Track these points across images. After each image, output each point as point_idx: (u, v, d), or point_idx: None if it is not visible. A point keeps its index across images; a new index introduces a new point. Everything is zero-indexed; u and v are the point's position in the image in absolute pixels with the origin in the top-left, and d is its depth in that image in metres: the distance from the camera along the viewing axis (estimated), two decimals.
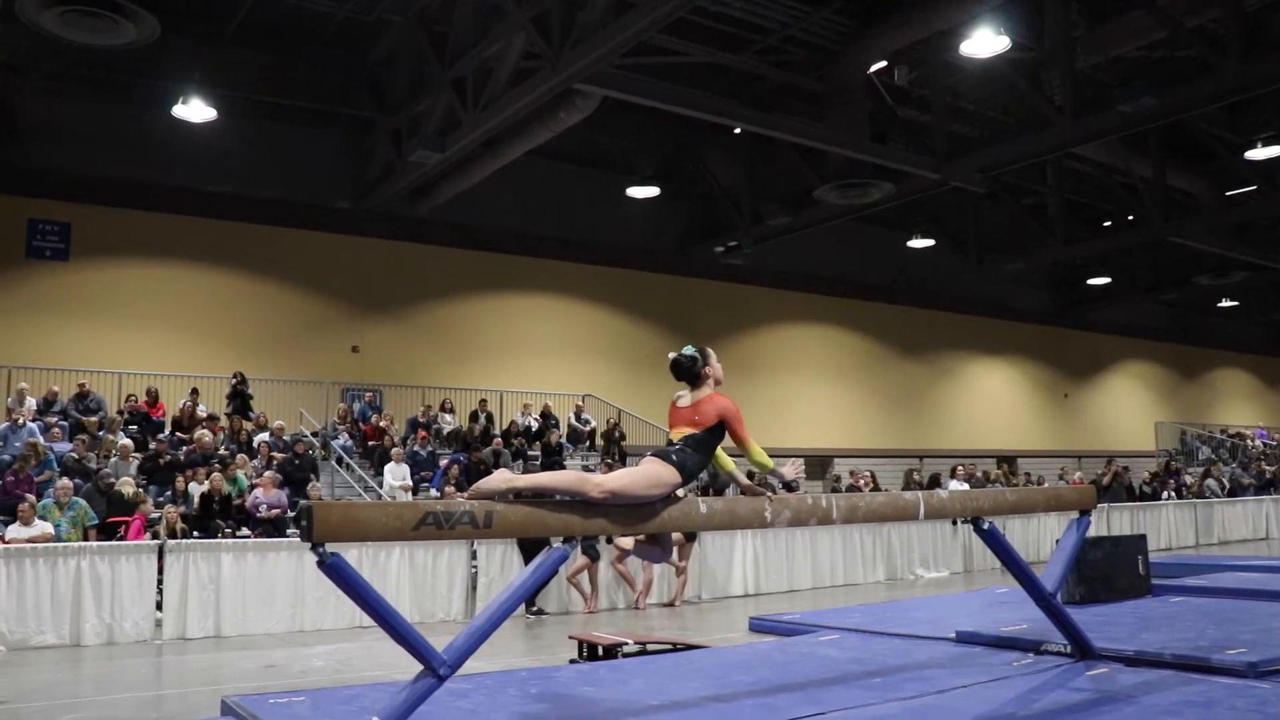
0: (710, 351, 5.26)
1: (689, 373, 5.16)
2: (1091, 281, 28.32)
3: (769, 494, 5.30)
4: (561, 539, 4.73)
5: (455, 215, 18.80)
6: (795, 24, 15.57)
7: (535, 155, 16.97)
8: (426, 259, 19.11)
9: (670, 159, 20.79)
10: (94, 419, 14.35)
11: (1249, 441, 29.67)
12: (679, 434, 5.04)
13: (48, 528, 10.48)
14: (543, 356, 19.92)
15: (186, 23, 15.28)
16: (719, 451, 5.13)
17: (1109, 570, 10.20)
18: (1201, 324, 33.98)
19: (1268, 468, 25.00)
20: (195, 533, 11.43)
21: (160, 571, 10.25)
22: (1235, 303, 31.42)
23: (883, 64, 16.65)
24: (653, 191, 19.39)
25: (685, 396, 5.16)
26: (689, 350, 5.18)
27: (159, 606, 10.21)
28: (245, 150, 17.21)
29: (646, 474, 4.84)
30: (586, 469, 17.24)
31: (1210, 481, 22.41)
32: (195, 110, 15.19)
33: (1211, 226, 21.66)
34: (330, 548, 4.05)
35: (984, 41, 14.09)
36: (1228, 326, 34.62)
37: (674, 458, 4.89)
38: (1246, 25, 13.71)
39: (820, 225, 20.59)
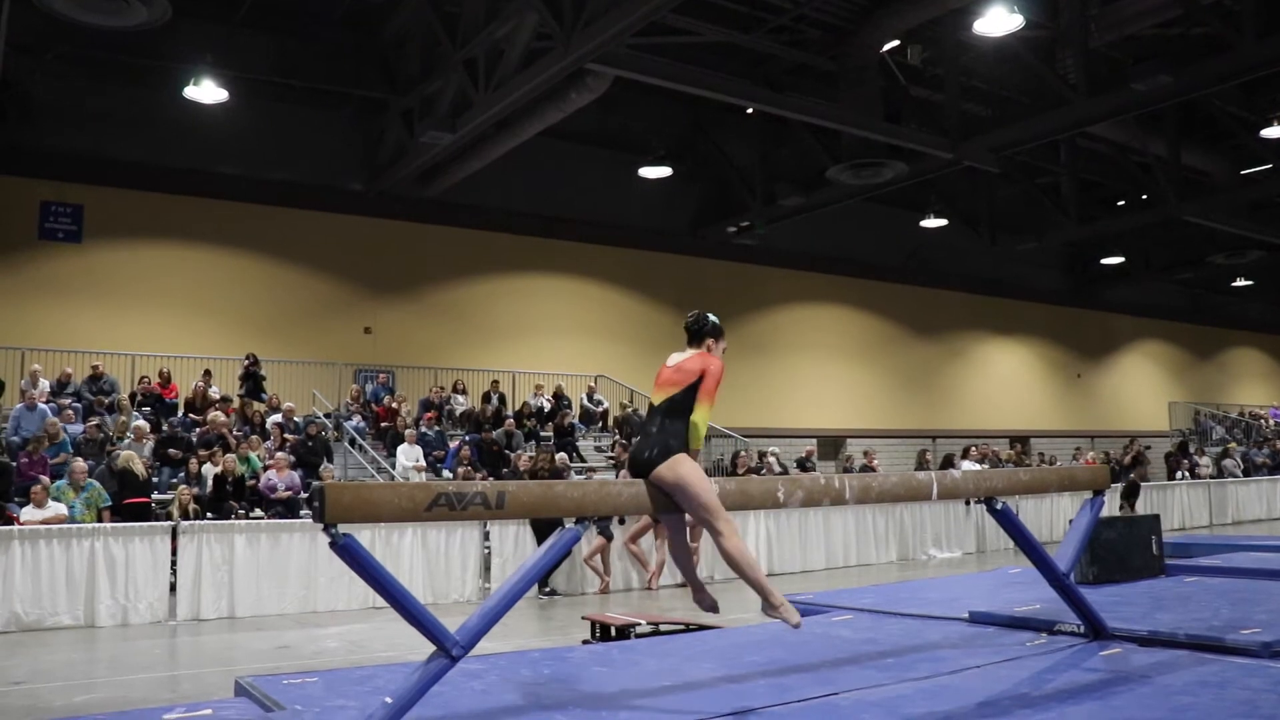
0: (723, 330, 5.20)
1: (693, 331, 5.07)
2: (1105, 261, 28.17)
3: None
4: (574, 519, 4.72)
5: (467, 196, 18.78)
6: (808, 3, 15.47)
7: (547, 136, 16.91)
8: (439, 240, 19.11)
9: (682, 139, 20.72)
10: (107, 400, 14.43)
11: (1264, 421, 29.55)
12: (660, 395, 4.93)
13: (61, 509, 10.53)
14: (555, 337, 19.93)
15: (198, 4, 15.27)
16: (703, 423, 4.87)
17: (1123, 550, 10.16)
18: (1216, 303, 33.78)
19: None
20: (208, 514, 11.48)
21: (174, 553, 10.30)
22: (1250, 282, 31.22)
23: (895, 43, 16.58)
24: (665, 172, 19.32)
25: (675, 356, 5.10)
26: (708, 314, 5.11)
27: (173, 588, 10.27)
28: (257, 131, 17.22)
29: (693, 484, 4.74)
30: (598, 449, 17.30)
31: (1228, 461, 22.33)
32: (207, 92, 15.18)
33: (1226, 205, 21.51)
34: (342, 529, 4.06)
35: (997, 20, 13.96)
36: (1242, 306, 34.41)
37: (664, 450, 4.76)
38: (1263, 1, 13.58)
39: (833, 205, 20.51)
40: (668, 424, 4.83)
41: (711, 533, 4.87)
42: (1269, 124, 17.73)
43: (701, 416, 4.83)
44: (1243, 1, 13.51)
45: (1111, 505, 16.08)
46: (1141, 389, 31.36)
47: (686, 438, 4.79)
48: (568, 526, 4.70)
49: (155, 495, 12.07)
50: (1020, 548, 6.22)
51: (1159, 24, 15.74)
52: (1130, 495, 13.48)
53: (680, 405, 4.84)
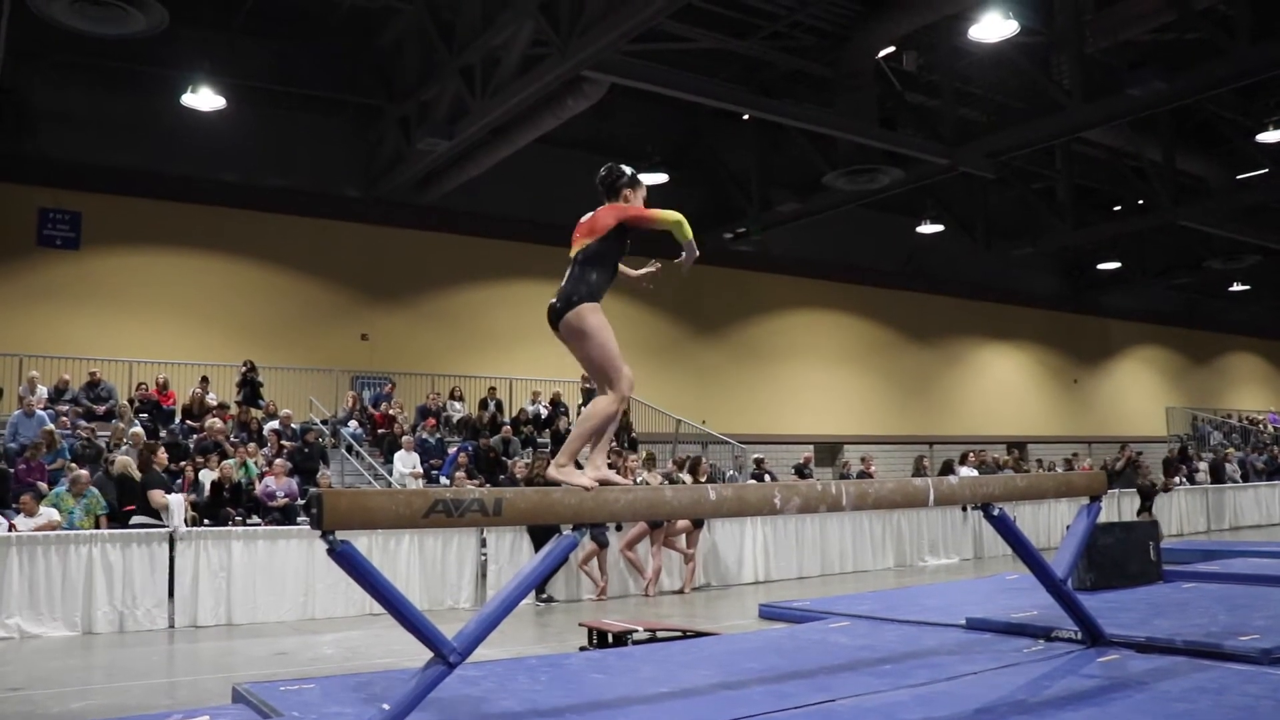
0: (639, 181, 5.09)
1: (607, 184, 5.05)
2: (1101, 266, 28.22)
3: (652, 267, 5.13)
4: (571, 526, 4.73)
5: (464, 203, 18.80)
6: (803, 9, 15.51)
7: (543, 143, 16.94)
8: (435, 246, 19.12)
9: (679, 146, 20.74)
10: (105, 407, 14.43)
11: (1261, 426, 29.59)
12: (575, 247, 4.93)
13: (54, 515, 10.49)
14: (552, 344, 19.34)
15: (195, 11, 15.30)
16: (665, 214, 4.83)
17: (1120, 556, 10.19)
18: (1212, 308, 33.84)
19: None
20: (206, 520, 11.47)
21: (171, 559, 10.29)
22: (1247, 287, 31.28)
23: (891, 49, 16.58)
24: (661, 178, 19.30)
25: (590, 213, 5.02)
26: (620, 165, 5.06)
27: (170, 594, 10.25)
28: (254, 138, 17.24)
29: (596, 339, 4.77)
30: None
31: (1229, 466, 22.33)
32: (204, 99, 15.19)
33: (1222, 210, 21.55)
34: (340, 535, 4.07)
35: (992, 26, 13.99)
36: (1239, 311, 34.46)
37: (566, 300, 4.81)
38: (1256, 7, 13.64)
39: (829, 211, 20.53)
40: (577, 272, 4.85)
41: (602, 383, 4.83)
42: (1264, 128, 17.76)
43: (660, 214, 4.80)
44: (1236, 6, 13.56)
45: (1121, 510, 16.11)
46: (1138, 394, 31.40)
47: (598, 287, 4.82)
48: (565, 533, 4.72)
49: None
50: (1017, 554, 6.24)
51: (1153, 29, 15.76)
52: (1147, 498, 13.51)
53: (594, 254, 4.86)
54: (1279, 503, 21.71)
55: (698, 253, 4.94)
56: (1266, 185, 20.46)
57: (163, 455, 12.31)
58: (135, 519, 10.82)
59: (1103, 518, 7.94)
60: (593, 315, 4.79)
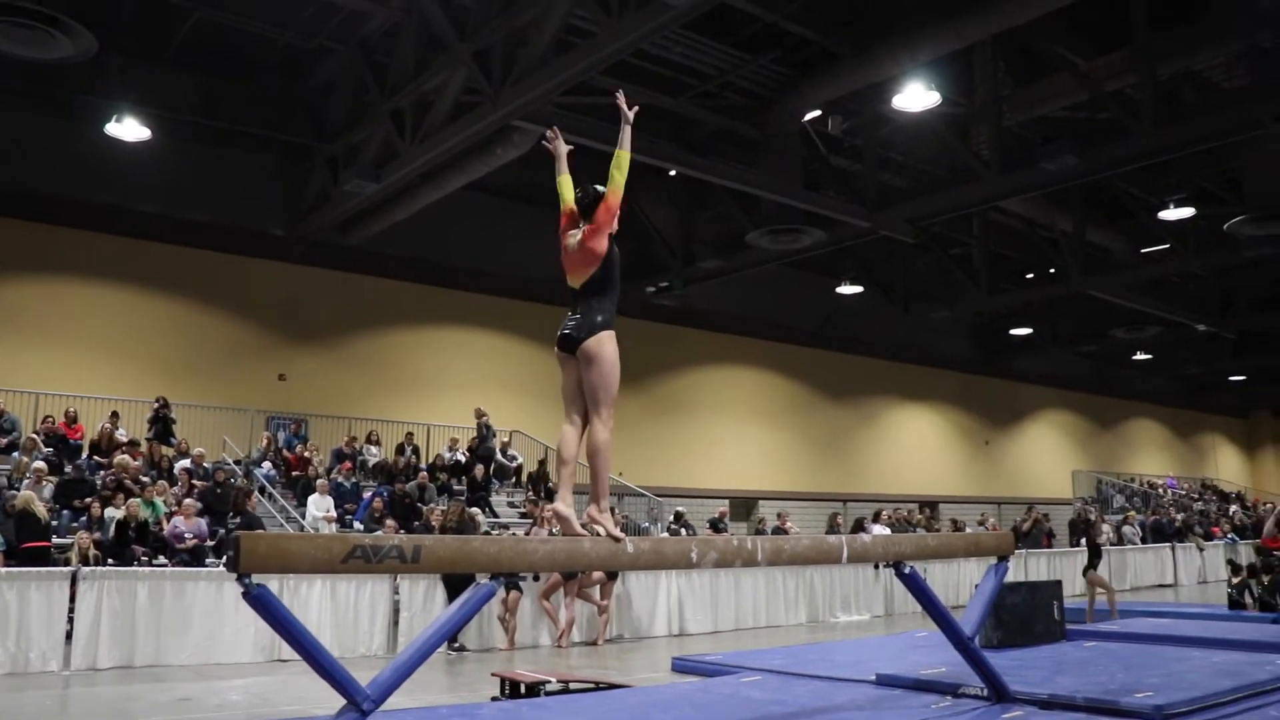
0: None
1: (583, 205, 5.28)
2: (1014, 331, 29.01)
3: None
4: (489, 575, 4.74)
5: (389, 246, 18.70)
6: (733, 71, 15.83)
7: (471, 189, 16.97)
8: (358, 289, 18.97)
9: None
10: (6, 439, 14.01)
11: (1160, 490, 30.50)
12: (578, 279, 5.14)
13: None
14: (471, 391, 19.76)
15: (124, 40, 15.13)
16: (618, 178, 5.18)
17: (1026, 615, 10.43)
18: (1118, 376, 34.94)
19: (1177, 515, 25.65)
20: (110, 560, 11.17)
21: (72, 600, 9.99)
22: (1149, 356, 32.36)
23: (817, 113, 16.96)
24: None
25: (575, 235, 5.21)
26: (596, 186, 5.28)
27: (68, 636, 9.94)
28: (178, 172, 16.99)
29: (605, 367, 4.98)
30: (511, 505, 17.21)
31: (1127, 529, 22.93)
32: (129, 129, 14.97)
33: (1128, 282, 22.36)
34: (255, 579, 4.03)
35: (915, 96, 14.46)
36: (1142, 379, 35.65)
37: (589, 325, 5.03)
38: (1160, 93, 14.29)
39: (751, 269, 20.83)
40: (594, 303, 5.05)
41: (597, 410, 4.99)
42: (1166, 206, 18.51)
43: (616, 183, 5.17)
44: (1142, 91, 14.19)
45: (1027, 570, 16.42)
46: (1047, 457, 32.19)
47: (612, 314, 5.05)
48: (482, 582, 4.73)
49: (55, 539, 11.69)
50: (927, 611, 6.38)
51: (1067, 107, 16.42)
52: (1094, 557, 13.74)
53: (601, 281, 5.10)
54: (1175, 564, 22.32)
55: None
56: (1168, 259, 21.28)
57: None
58: None
59: (1009, 578, 8.14)
60: (611, 343, 5.04)
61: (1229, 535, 25.20)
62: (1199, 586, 21.73)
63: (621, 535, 5.04)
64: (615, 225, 5.14)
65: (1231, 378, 35.66)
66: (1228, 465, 39.31)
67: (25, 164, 15.82)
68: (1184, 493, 31.59)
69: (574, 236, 5.18)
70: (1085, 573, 14.02)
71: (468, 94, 13.70)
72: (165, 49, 15.87)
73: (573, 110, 14.66)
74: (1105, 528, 21.62)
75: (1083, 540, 16.47)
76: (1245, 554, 22.00)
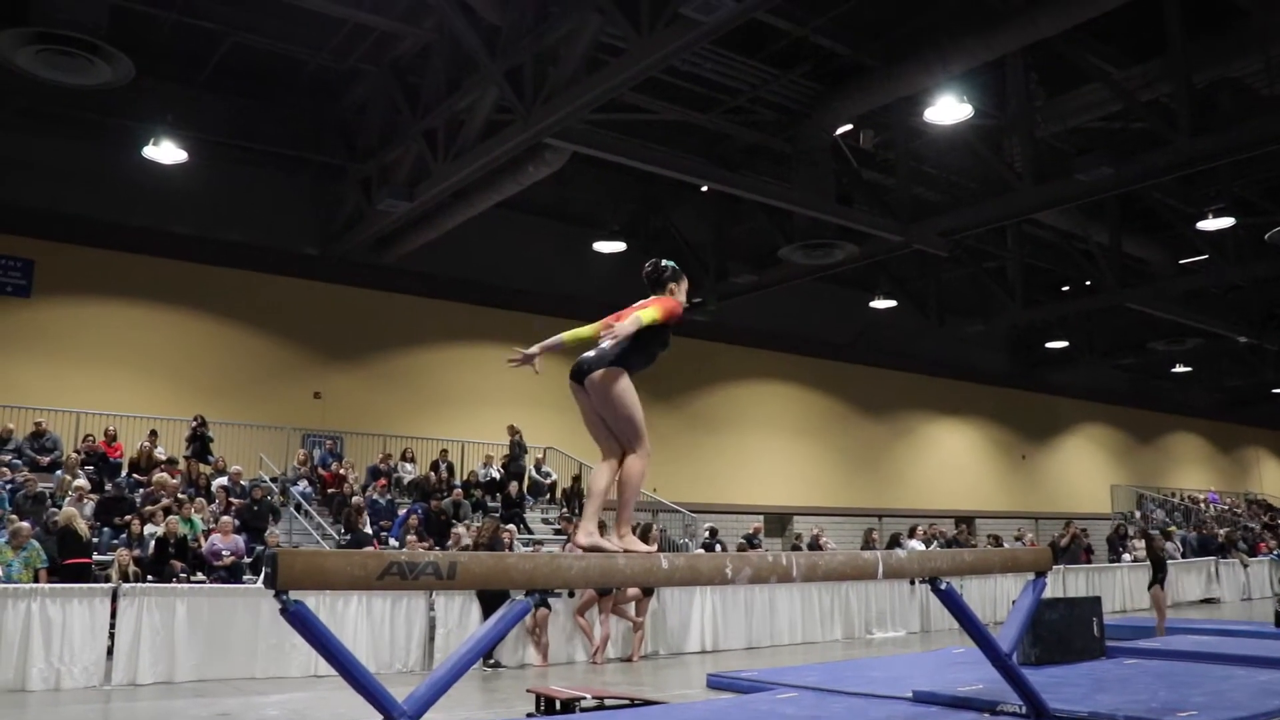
0: (682, 274, 5.36)
1: (652, 278, 5.32)
2: (1050, 345, 28.73)
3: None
4: (524, 592, 4.75)
5: (422, 264, 18.85)
6: (764, 86, 15.84)
7: (503, 207, 17.08)
8: (392, 307, 19.11)
9: (637, 215, 20.97)
10: (49, 458, 14.21)
11: (1202, 505, 30.08)
12: (610, 334, 5.09)
13: None
14: (505, 408, 19.81)
15: (161, 65, 15.35)
16: (647, 315, 5.05)
17: (1064, 632, 10.31)
18: (1156, 389, 34.53)
19: (1220, 531, 25.29)
20: (149, 577, 11.28)
21: (113, 615, 10.09)
22: (1189, 368, 31.97)
23: (849, 127, 16.94)
24: (619, 247, 19.52)
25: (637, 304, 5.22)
26: (664, 261, 5.33)
27: (109, 652, 10.04)
28: (214, 193, 17.24)
29: (623, 400, 5.00)
30: (546, 521, 17.24)
31: (1169, 545, 22.63)
32: (166, 152, 15.20)
33: (1165, 293, 22.09)
34: (292, 595, 4.06)
35: (947, 109, 14.41)
36: (1181, 391, 35.21)
37: (615, 358, 5.03)
38: (1197, 101, 14.14)
39: (784, 284, 20.79)
40: (612, 344, 5.01)
41: (627, 444, 5.02)
42: (1204, 216, 18.31)
43: (646, 312, 5.01)
44: (1178, 100, 14.05)
45: (1065, 586, 16.28)
46: (1085, 471, 31.84)
47: (633, 363, 5.03)
48: (517, 599, 4.73)
49: (95, 556, 11.83)
50: (964, 628, 6.32)
51: (1101, 118, 16.28)
52: (1159, 571, 13.54)
53: (628, 337, 5.01)
54: (1218, 579, 22.00)
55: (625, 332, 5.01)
56: (1207, 270, 21.03)
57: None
58: None
59: (1047, 593, 8.05)
60: (623, 378, 5.03)
61: (1274, 551, 24.80)
62: (1244, 603, 21.39)
63: (653, 548, 5.05)
64: (671, 317, 5.12)
65: (1274, 390, 35.13)
66: (1271, 479, 38.69)
67: (64, 187, 16.09)
68: (1226, 507, 31.15)
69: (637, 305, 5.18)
70: (1150, 588, 13.83)
71: (499, 113, 13.81)
72: (201, 73, 16.10)
73: (604, 127, 14.74)
74: (1170, 545, 21.46)
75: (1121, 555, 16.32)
76: None
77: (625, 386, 5.00)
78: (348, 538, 13.66)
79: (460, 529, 14.02)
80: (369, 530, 13.98)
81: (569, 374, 5.18)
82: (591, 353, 5.12)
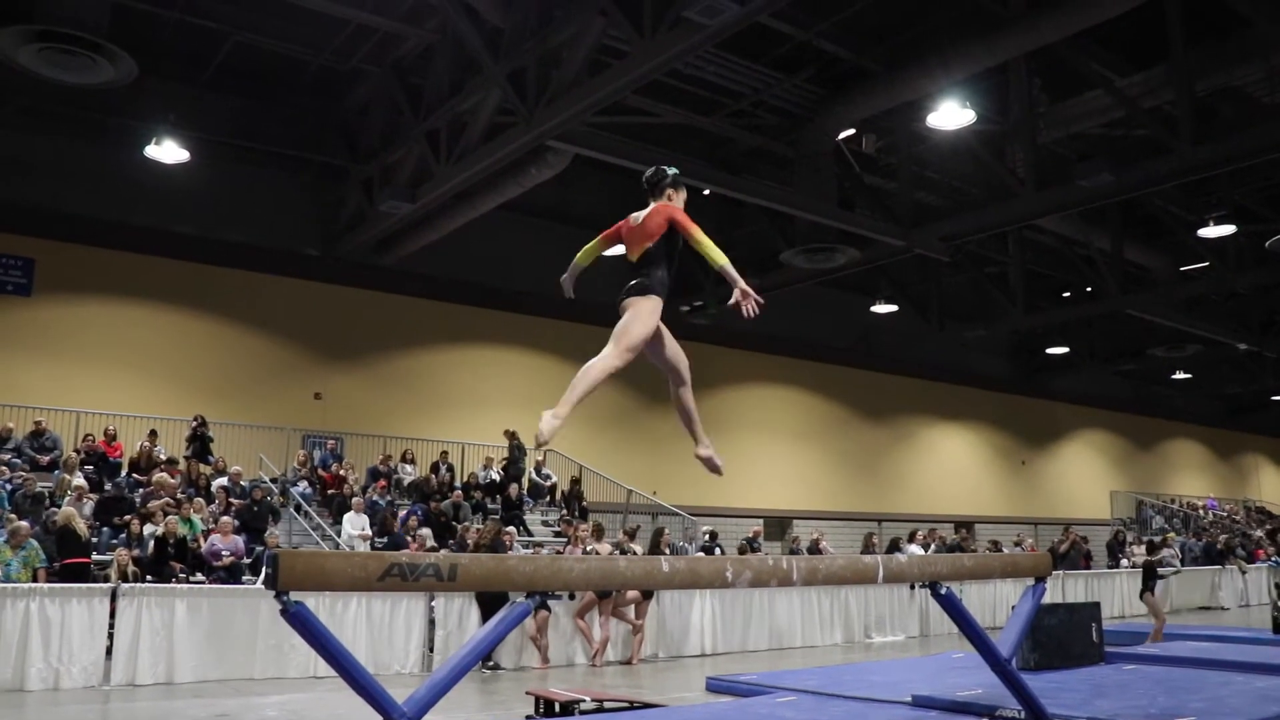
0: (682, 181, 5.37)
1: (653, 183, 5.30)
2: (1050, 350, 28.76)
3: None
4: (525, 594, 4.74)
5: (423, 266, 18.86)
6: (767, 90, 15.85)
7: (505, 209, 17.09)
8: (393, 308, 19.12)
9: None
10: (48, 457, 14.21)
11: (1201, 511, 30.07)
12: (636, 252, 5.16)
13: None
14: (506, 409, 19.82)
15: (164, 64, 15.37)
16: (709, 244, 5.09)
17: (1063, 637, 10.31)
18: (1156, 395, 34.55)
19: (1220, 537, 25.26)
20: (148, 577, 11.28)
21: (112, 616, 10.08)
22: (1189, 375, 31.99)
23: (851, 132, 16.94)
24: (621, 249, 19.46)
25: (638, 215, 5.23)
26: (665, 165, 5.33)
27: (108, 652, 10.03)
28: (216, 193, 17.24)
29: (639, 317, 4.98)
30: (545, 523, 17.24)
31: (1167, 551, 22.59)
32: (168, 151, 15.22)
33: (1166, 300, 22.10)
34: (292, 596, 4.06)
35: (950, 114, 14.43)
36: (1182, 398, 35.23)
37: (642, 286, 5.04)
38: (1198, 108, 14.16)
39: (786, 288, 20.78)
40: (649, 270, 5.08)
41: (611, 344, 4.99)
42: (1206, 223, 18.33)
43: (704, 240, 5.05)
44: (1179, 108, 14.07)
45: (1065, 591, 16.26)
46: (1084, 477, 31.84)
47: (665, 284, 5.08)
48: (518, 601, 4.73)
49: (95, 556, 11.83)
50: (963, 632, 6.31)
51: (1103, 124, 16.31)
52: (1149, 578, 13.53)
53: (655, 255, 5.11)
54: (1217, 586, 21.98)
55: (743, 284, 5.07)
56: (1208, 278, 21.04)
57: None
58: None
59: (1047, 599, 8.05)
60: (652, 305, 5.04)
61: (1273, 558, 24.78)
62: (1242, 610, 21.37)
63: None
64: (686, 230, 5.11)
65: (1274, 397, 35.16)
66: (1270, 486, 38.71)
67: (65, 186, 16.11)
68: (1225, 514, 31.13)
69: (636, 216, 5.20)
70: (1141, 596, 13.83)
71: (501, 114, 13.82)
72: (203, 72, 16.12)
73: (606, 130, 14.75)
74: (1168, 552, 21.43)
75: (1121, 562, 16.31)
76: None
77: (649, 310, 5.03)
78: (384, 540, 13.76)
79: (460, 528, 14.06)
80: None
81: (618, 300, 5.15)
82: (629, 284, 5.12)
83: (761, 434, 23.91)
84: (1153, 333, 25.74)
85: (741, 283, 5.03)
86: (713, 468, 5.38)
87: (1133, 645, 12.24)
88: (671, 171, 5.33)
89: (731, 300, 5.12)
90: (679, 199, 5.33)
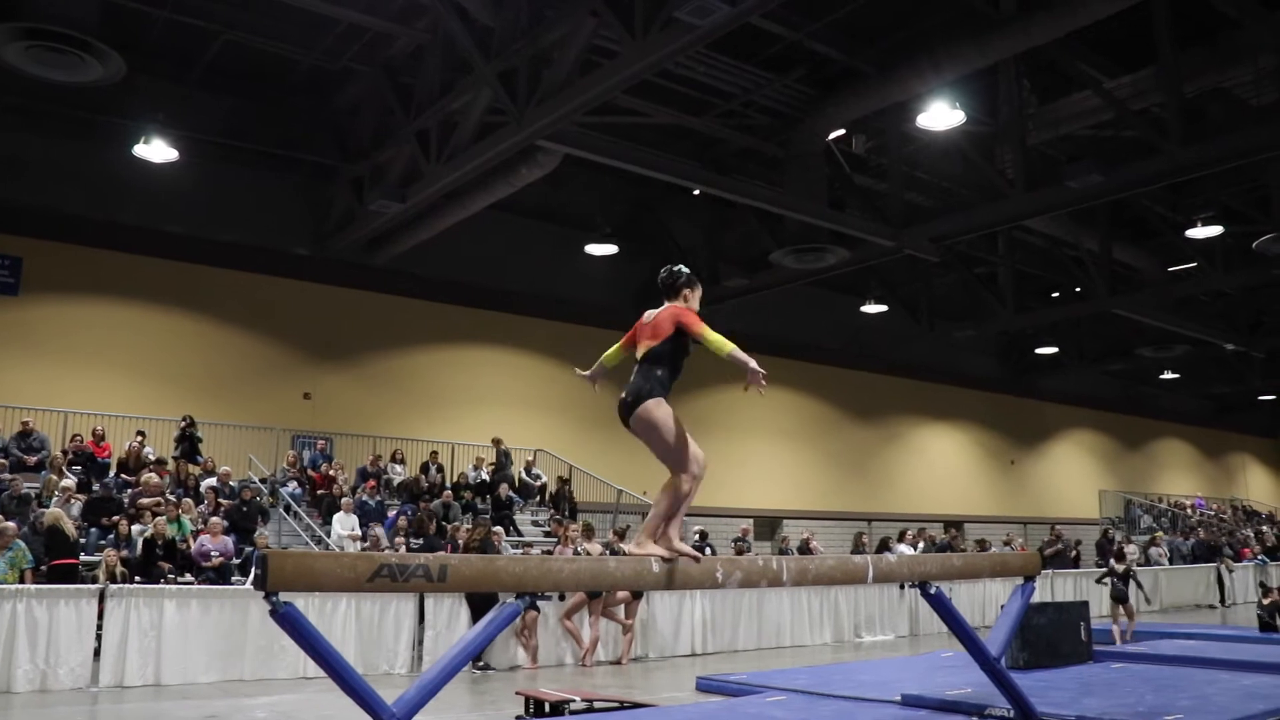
0: (697, 281, 5.44)
1: (667, 285, 5.37)
2: (1039, 350, 28.85)
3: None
4: (514, 595, 4.74)
5: (413, 265, 18.81)
6: (757, 90, 15.86)
7: (495, 209, 17.07)
8: (383, 308, 19.06)
9: (630, 218, 20.96)
10: (36, 458, 14.15)
11: (1189, 511, 30.20)
12: (642, 349, 5.22)
13: None
14: (496, 410, 19.86)
15: (153, 63, 15.32)
16: (715, 338, 5.12)
17: (1052, 636, 10.35)
18: (1145, 395, 34.69)
19: (1206, 537, 25.36)
20: (137, 578, 11.24)
21: (100, 616, 10.04)
22: (1176, 375, 32.12)
23: (841, 132, 16.96)
24: (611, 249, 19.52)
25: (651, 313, 5.31)
26: (679, 267, 5.39)
27: (97, 653, 9.99)
28: (205, 192, 17.16)
29: (658, 426, 5.04)
30: (535, 524, 17.24)
31: (1154, 550, 22.70)
32: (157, 150, 15.16)
33: (1154, 301, 22.19)
34: (282, 597, 4.06)
35: (940, 115, 14.45)
36: (1169, 398, 35.38)
37: (645, 393, 5.08)
38: (1186, 110, 14.22)
39: (776, 288, 20.81)
40: (645, 369, 5.13)
41: (673, 470, 5.10)
42: (1194, 224, 18.40)
43: (710, 335, 5.09)
44: (1168, 109, 14.12)
45: (1054, 591, 16.31)
46: (1073, 476, 31.95)
47: (665, 383, 5.12)
48: (507, 602, 4.73)
49: (83, 556, 11.79)
50: (953, 631, 6.34)
51: (1092, 126, 16.37)
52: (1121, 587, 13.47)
53: (659, 354, 5.15)
54: (1204, 586, 22.08)
55: (753, 364, 5.09)
56: (1196, 278, 21.13)
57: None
58: None
59: (1036, 598, 8.08)
60: (659, 409, 5.07)
61: (1259, 556, 24.91)
62: (1228, 608, 21.47)
63: (668, 554, 5.18)
64: (693, 331, 5.16)
65: (1261, 397, 35.34)
66: (1257, 485, 38.90)
67: (53, 185, 16.01)
68: (1213, 513, 31.27)
69: (649, 314, 5.30)
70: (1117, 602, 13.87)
71: (492, 114, 13.81)
72: (193, 71, 16.06)
73: (596, 130, 14.75)
74: (1155, 551, 21.54)
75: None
76: (1276, 575, 21.76)
77: (663, 416, 5.07)
78: (419, 542, 13.82)
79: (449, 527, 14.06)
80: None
81: (618, 412, 5.22)
82: (626, 389, 5.18)
83: (751, 434, 23.92)
84: (1141, 333, 25.84)
85: (751, 363, 5.06)
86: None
87: (1121, 644, 12.29)
88: (685, 273, 5.41)
89: (745, 386, 5.18)
90: (694, 299, 5.42)
